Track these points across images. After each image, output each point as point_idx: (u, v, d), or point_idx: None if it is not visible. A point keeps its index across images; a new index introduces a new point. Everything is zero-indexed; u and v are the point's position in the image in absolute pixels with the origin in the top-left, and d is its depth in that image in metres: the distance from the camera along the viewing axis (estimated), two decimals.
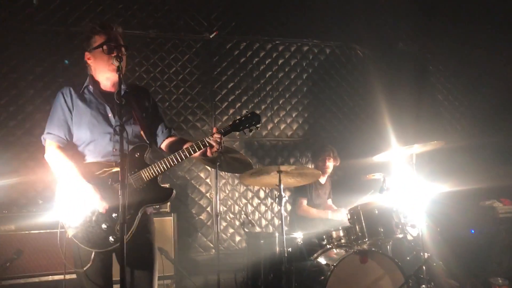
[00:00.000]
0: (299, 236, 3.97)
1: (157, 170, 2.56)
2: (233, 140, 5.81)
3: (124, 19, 5.47)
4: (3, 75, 5.02)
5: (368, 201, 4.07)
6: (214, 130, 2.58)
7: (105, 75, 2.65)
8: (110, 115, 2.65)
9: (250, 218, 5.53)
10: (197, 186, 5.61)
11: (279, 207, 3.77)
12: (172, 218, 4.68)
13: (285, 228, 3.72)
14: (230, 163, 4.03)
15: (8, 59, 5.04)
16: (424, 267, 3.86)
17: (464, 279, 4.70)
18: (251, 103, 5.92)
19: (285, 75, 6.14)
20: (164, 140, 2.85)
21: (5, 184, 4.47)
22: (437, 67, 6.48)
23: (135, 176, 2.56)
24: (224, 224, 5.66)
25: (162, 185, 2.65)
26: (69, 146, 2.64)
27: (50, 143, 2.62)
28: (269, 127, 6.01)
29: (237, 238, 5.68)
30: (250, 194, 5.83)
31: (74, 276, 2.62)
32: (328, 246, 3.89)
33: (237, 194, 5.77)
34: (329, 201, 5.01)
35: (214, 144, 2.54)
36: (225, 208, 5.68)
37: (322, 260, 3.74)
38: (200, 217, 5.58)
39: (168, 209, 4.77)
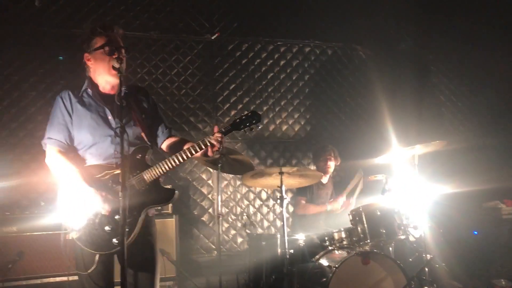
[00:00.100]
0: (301, 237, 3.96)
1: (159, 171, 2.55)
2: (235, 141, 5.81)
3: (125, 20, 5.48)
4: (5, 77, 5.03)
5: (370, 202, 4.05)
6: (215, 129, 2.58)
7: (105, 77, 2.64)
8: (110, 117, 2.64)
9: (252, 220, 5.53)
10: (199, 188, 5.61)
11: (281, 209, 3.77)
12: (174, 219, 4.68)
13: (287, 229, 3.71)
14: (232, 165, 4.03)
15: (10, 61, 5.05)
16: (426, 269, 3.85)
17: (467, 281, 4.68)
18: (252, 104, 5.92)
19: (286, 76, 6.14)
20: (164, 141, 2.84)
21: (7, 186, 4.47)
22: (439, 67, 6.48)
23: (137, 177, 2.56)
24: (226, 225, 5.66)
25: (164, 186, 2.64)
26: (70, 150, 2.64)
27: (51, 148, 2.62)
28: (271, 128, 6.00)
29: (239, 240, 5.68)
30: (252, 196, 5.82)
31: (75, 277, 2.62)
32: (330, 248, 3.88)
33: (239, 196, 5.77)
34: (328, 207, 4.92)
35: (215, 143, 2.53)
36: (227, 210, 5.68)
37: (324, 262, 3.73)
38: (202, 218, 5.58)
39: (170, 211, 4.76)
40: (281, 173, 3.81)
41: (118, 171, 2.54)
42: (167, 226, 4.62)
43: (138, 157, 2.60)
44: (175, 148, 2.76)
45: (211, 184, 5.66)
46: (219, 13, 5.93)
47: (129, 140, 2.53)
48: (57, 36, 5.22)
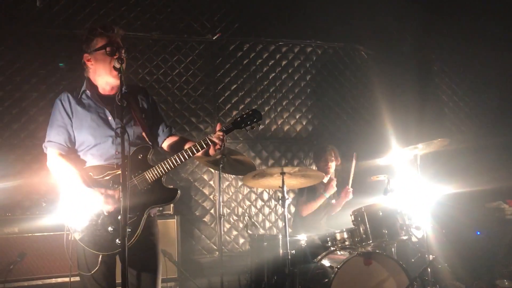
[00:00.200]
0: (302, 238, 3.95)
1: (161, 171, 2.55)
2: (236, 141, 5.80)
3: (127, 21, 5.48)
4: (6, 78, 5.03)
5: (372, 202, 4.04)
6: (218, 126, 2.59)
7: (105, 77, 2.64)
8: (110, 118, 2.64)
9: (253, 220, 5.52)
10: (201, 188, 5.60)
11: (282, 209, 3.75)
12: (175, 220, 4.67)
13: (288, 230, 3.71)
14: (233, 165, 4.03)
15: (11, 62, 5.06)
16: (429, 269, 3.83)
17: (470, 282, 4.66)
18: (254, 105, 5.91)
19: (288, 77, 6.13)
20: (165, 140, 2.84)
21: (8, 187, 4.47)
22: (441, 67, 6.47)
23: (139, 177, 2.55)
24: (227, 226, 5.65)
25: (167, 186, 2.64)
26: (71, 152, 2.65)
27: (52, 151, 2.63)
28: (272, 129, 5.99)
29: (241, 240, 5.67)
30: (253, 196, 5.81)
31: (77, 278, 2.61)
32: (332, 248, 3.87)
33: (240, 196, 5.76)
34: (326, 195, 4.90)
35: (216, 141, 2.53)
36: (228, 210, 5.67)
37: (326, 262, 3.71)
38: (204, 219, 5.57)
39: (171, 211, 4.76)
40: (282, 173, 3.80)
41: (119, 172, 2.53)
42: (168, 227, 4.61)
43: (139, 157, 2.60)
44: (176, 147, 2.77)
45: (213, 185, 5.65)
46: (220, 13, 5.93)
47: (130, 140, 2.53)
48: (59, 37, 5.22)
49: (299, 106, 6.13)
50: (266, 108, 5.97)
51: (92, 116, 2.62)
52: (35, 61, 5.14)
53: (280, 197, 3.80)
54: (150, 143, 2.68)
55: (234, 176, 5.66)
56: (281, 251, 3.84)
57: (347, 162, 5.17)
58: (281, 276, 3.74)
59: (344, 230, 3.90)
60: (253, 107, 5.89)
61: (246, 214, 5.65)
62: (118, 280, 2.53)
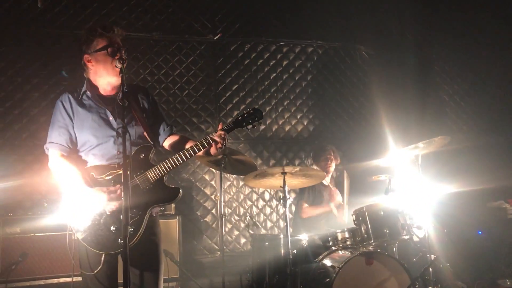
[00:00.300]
0: (304, 238, 3.95)
1: (163, 170, 2.56)
2: (238, 142, 5.81)
3: (128, 21, 5.49)
4: (7, 78, 5.04)
5: (374, 202, 4.04)
6: (220, 125, 2.60)
7: (106, 78, 2.64)
8: (111, 118, 2.65)
9: (255, 220, 5.52)
10: (202, 188, 5.61)
11: (284, 209, 3.75)
12: (177, 220, 4.68)
13: (290, 230, 3.70)
14: (235, 165, 4.03)
15: (13, 62, 5.07)
16: (430, 269, 3.83)
17: (472, 281, 4.66)
18: (255, 105, 5.91)
19: (289, 77, 6.13)
20: (166, 139, 2.84)
21: (10, 187, 4.48)
22: (442, 67, 6.46)
23: (141, 177, 2.56)
24: (229, 226, 5.65)
25: (168, 185, 2.64)
26: (72, 153, 2.65)
27: (53, 152, 2.63)
28: (274, 129, 5.99)
29: (242, 240, 5.67)
30: (255, 196, 5.82)
31: (79, 278, 2.62)
32: (333, 248, 3.86)
33: (242, 196, 5.76)
34: (331, 205, 4.90)
35: (218, 139, 2.54)
36: (230, 210, 5.67)
37: (327, 262, 3.71)
38: (205, 219, 5.57)
39: (173, 211, 4.77)
40: (283, 173, 3.80)
41: (121, 171, 2.54)
42: (170, 227, 4.62)
43: (141, 156, 2.61)
44: (176, 146, 2.77)
45: (214, 185, 5.66)
46: (221, 13, 5.93)
47: (131, 140, 2.53)
48: (60, 37, 5.24)
49: (300, 106, 6.13)
50: (267, 108, 5.97)
51: (93, 116, 2.62)
52: (36, 62, 5.14)
53: (281, 197, 3.81)
54: (152, 143, 2.68)
55: (235, 176, 5.67)
56: (282, 251, 3.84)
57: (347, 162, 5.18)
58: (282, 276, 3.73)
59: (346, 229, 3.90)
60: (254, 107, 5.90)
61: (248, 214, 5.66)
62: (120, 280, 2.55)
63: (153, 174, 2.56)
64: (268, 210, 5.85)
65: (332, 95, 6.28)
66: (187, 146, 2.64)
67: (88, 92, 2.67)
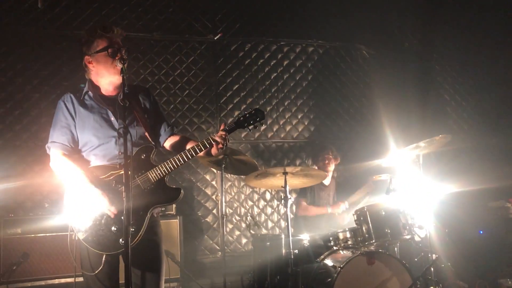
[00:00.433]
0: (305, 238, 3.95)
1: (164, 171, 2.56)
2: (238, 142, 5.80)
3: (128, 21, 5.48)
4: (8, 79, 5.03)
5: (375, 202, 4.04)
6: (222, 126, 2.60)
7: (108, 79, 2.64)
8: (112, 118, 2.65)
9: (256, 220, 5.52)
10: (203, 189, 5.60)
11: (285, 209, 3.76)
12: (177, 220, 4.68)
13: (291, 230, 3.70)
14: (236, 165, 4.03)
15: (13, 63, 5.06)
16: (432, 269, 3.83)
17: (473, 281, 4.66)
18: (256, 105, 5.90)
19: (290, 76, 6.12)
20: (167, 139, 2.84)
21: (11, 188, 4.48)
22: (443, 66, 6.45)
23: (143, 177, 2.56)
24: (230, 226, 5.65)
25: (170, 186, 2.64)
26: (74, 152, 2.65)
27: (55, 151, 2.63)
28: (274, 129, 5.99)
29: (243, 240, 5.66)
30: (256, 196, 5.81)
31: (80, 279, 2.62)
32: (334, 248, 3.87)
33: (243, 196, 5.76)
34: (329, 209, 4.81)
35: (219, 140, 2.54)
36: (231, 210, 5.67)
37: (328, 262, 3.72)
38: (206, 219, 5.57)
39: (173, 212, 4.76)
40: (285, 173, 3.81)
41: (122, 172, 2.53)
42: (171, 227, 4.61)
43: (142, 157, 2.61)
44: (177, 147, 2.78)
45: (215, 185, 5.65)
46: (222, 13, 5.93)
47: (133, 140, 2.53)
48: (60, 38, 5.23)
49: (301, 106, 6.12)
50: (268, 108, 5.97)
51: (94, 117, 2.63)
52: (37, 62, 5.14)
53: (282, 197, 3.80)
54: (153, 143, 2.69)
55: (236, 176, 5.66)
56: (283, 251, 3.84)
57: (348, 162, 5.17)
58: (284, 276, 3.74)
59: (347, 229, 3.90)
60: (255, 107, 5.90)
61: (249, 214, 5.65)
62: (122, 280, 2.55)
63: (154, 174, 2.55)
64: (269, 210, 5.85)
65: (333, 94, 6.27)
66: (188, 146, 2.64)
67: (90, 92, 2.68)
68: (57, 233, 4.18)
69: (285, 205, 3.75)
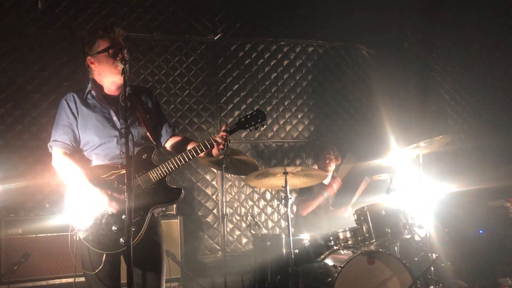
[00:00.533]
0: (305, 237, 3.96)
1: (165, 171, 2.57)
2: (238, 142, 5.81)
3: (128, 22, 5.49)
4: (9, 80, 5.04)
5: (375, 202, 4.04)
6: (223, 127, 2.61)
7: (110, 78, 2.66)
8: (114, 118, 2.66)
9: (256, 220, 5.53)
10: (203, 189, 5.61)
11: (285, 209, 3.76)
12: (178, 220, 4.69)
13: (291, 229, 3.71)
14: (236, 165, 4.04)
15: (14, 64, 5.07)
16: (432, 268, 3.84)
17: (473, 280, 4.66)
18: (256, 105, 5.92)
19: (290, 76, 6.13)
20: (168, 140, 2.86)
21: (12, 188, 4.48)
22: (443, 66, 6.45)
23: (144, 177, 2.57)
24: (230, 226, 5.66)
25: (170, 186, 2.65)
26: (76, 152, 2.66)
27: (56, 150, 2.64)
28: (274, 129, 6.00)
29: (244, 240, 5.67)
30: (256, 196, 5.82)
31: (82, 279, 2.62)
32: (335, 248, 3.87)
33: (243, 196, 5.76)
34: (325, 194, 4.88)
35: (220, 141, 2.55)
36: (231, 210, 5.68)
37: (329, 262, 3.72)
38: (207, 219, 5.58)
39: (174, 212, 4.77)
40: (285, 173, 3.81)
41: (123, 171, 2.55)
42: (171, 227, 4.62)
43: (144, 157, 2.62)
44: (178, 147, 2.79)
45: (215, 185, 5.66)
46: (222, 13, 5.93)
47: (134, 140, 2.54)
48: (60, 38, 5.24)
49: (301, 106, 6.13)
50: (268, 108, 5.98)
51: (97, 116, 2.64)
52: (37, 63, 5.14)
53: (283, 197, 3.81)
54: (154, 143, 2.69)
55: (236, 176, 5.67)
56: (284, 251, 3.85)
57: (348, 162, 5.17)
58: (284, 276, 3.74)
59: (347, 229, 3.90)
60: (255, 107, 5.90)
61: (249, 214, 5.66)
62: (123, 280, 2.55)
63: (155, 174, 2.57)
64: (269, 210, 5.85)
65: (333, 94, 6.28)
66: (189, 147, 2.65)
67: (93, 91, 2.69)
68: (58, 233, 4.19)
69: (286, 205, 3.76)
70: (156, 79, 5.58)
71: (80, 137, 2.65)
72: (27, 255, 4.08)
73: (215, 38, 5.84)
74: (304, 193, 4.79)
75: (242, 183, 5.74)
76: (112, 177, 2.56)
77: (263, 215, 5.82)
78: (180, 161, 2.56)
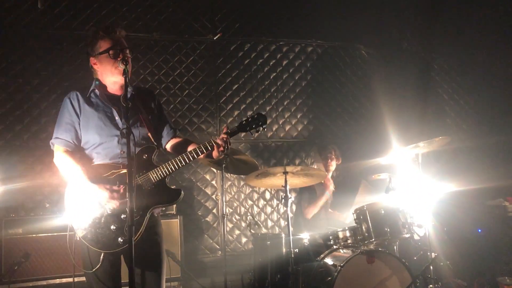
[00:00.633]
0: (305, 237, 3.97)
1: (165, 171, 2.58)
2: (238, 141, 5.82)
3: (128, 22, 5.49)
4: (8, 79, 5.04)
5: (374, 201, 4.06)
6: (224, 129, 2.61)
7: (112, 78, 2.68)
8: (117, 118, 2.67)
9: (256, 219, 5.54)
10: (203, 188, 5.62)
11: (285, 208, 3.77)
12: (178, 220, 4.69)
13: (291, 229, 3.72)
14: (236, 165, 4.05)
15: (14, 64, 5.07)
16: (431, 267, 3.85)
17: (472, 279, 4.69)
18: (255, 105, 5.93)
19: (289, 76, 6.14)
20: (168, 141, 2.87)
21: (12, 188, 4.49)
22: (442, 66, 6.47)
23: (144, 177, 2.58)
24: (230, 225, 5.67)
25: (170, 187, 2.66)
26: (77, 150, 2.68)
27: (58, 147, 2.66)
28: (274, 128, 6.01)
29: (243, 240, 5.69)
30: (255, 196, 5.83)
31: (83, 278, 2.63)
32: (334, 247, 3.89)
33: (242, 196, 5.78)
34: (327, 193, 4.86)
35: (220, 143, 2.56)
36: (231, 210, 5.69)
37: (328, 261, 3.73)
38: (206, 219, 5.59)
39: (174, 211, 4.78)
40: (285, 172, 3.82)
41: (124, 171, 2.56)
42: (171, 227, 4.63)
43: (144, 157, 2.63)
44: (179, 149, 2.80)
45: (215, 185, 5.67)
46: (221, 13, 5.94)
47: (135, 140, 2.55)
48: (60, 38, 5.24)
49: (300, 105, 6.14)
50: (268, 108, 5.99)
51: (99, 115, 2.66)
52: (37, 63, 5.15)
53: (282, 196, 3.82)
54: (155, 144, 2.71)
55: (236, 175, 5.68)
56: (284, 250, 3.86)
57: (347, 161, 5.19)
58: (284, 275, 3.76)
59: (347, 228, 3.91)
60: (255, 107, 5.93)
61: (249, 214, 5.68)
62: (123, 279, 2.57)
63: (156, 175, 2.58)
64: (269, 209, 5.87)
65: (332, 94, 6.29)
66: (189, 148, 2.66)
67: (96, 90, 2.71)
68: (58, 233, 4.20)
69: (285, 205, 3.77)
70: (155, 79, 5.59)
71: (82, 136, 2.66)
72: (28, 255, 4.08)
73: (215, 38, 5.85)
74: (304, 193, 4.81)
75: (242, 183, 5.75)
76: (112, 177, 2.57)
77: (262, 214, 5.83)
78: (180, 162, 2.57)
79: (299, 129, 6.12)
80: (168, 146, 2.88)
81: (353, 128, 6.30)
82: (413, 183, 4.18)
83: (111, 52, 2.57)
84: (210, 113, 5.77)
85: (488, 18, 5.82)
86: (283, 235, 3.95)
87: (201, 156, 2.61)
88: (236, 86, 5.91)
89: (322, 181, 4.85)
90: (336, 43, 6.36)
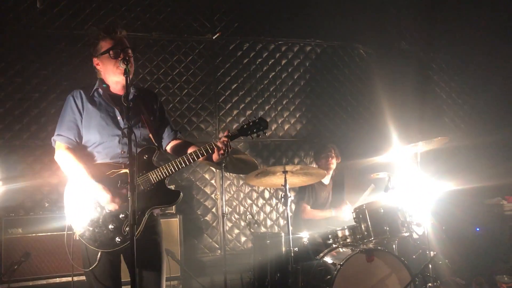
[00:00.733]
0: (305, 235, 3.98)
1: (165, 173, 2.59)
2: (237, 141, 5.80)
3: (127, 21, 5.49)
4: (8, 79, 5.03)
5: (373, 200, 4.07)
6: (225, 132, 2.64)
7: (114, 78, 2.69)
8: (119, 118, 2.68)
9: (255, 219, 5.55)
10: (202, 188, 5.63)
11: (284, 207, 3.78)
12: (177, 219, 4.70)
13: (290, 228, 3.73)
14: (236, 164, 4.05)
15: (13, 63, 5.06)
16: (430, 265, 3.88)
17: (470, 277, 4.71)
18: (254, 104, 5.93)
19: (288, 76, 6.15)
20: (169, 143, 2.89)
21: (11, 188, 4.48)
22: (440, 65, 6.49)
23: (143, 178, 2.58)
24: (229, 225, 5.68)
25: (169, 188, 2.67)
26: (79, 148, 2.68)
27: (59, 144, 2.66)
28: (273, 128, 6.02)
29: (243, 239, 5.70)
30: (255, 195, 5.84)
31: (82, 277, 2.64)
32: (334, 246, 3.90)
33: (242, 195, 5.78)
34: (333, 212, 4.85)
35: (221, 146, 2.58)
36: (230, 209, 5.69)
37: (328, 260, 3.75)
38: (206, 218, 5.59)
39: (173, 211, 4.79)
40: (285, 171, 3.83)
41: (124, 171, 2.58)
42: (171, 226, 4.64)
43: (144, 157, 2.64)
44: (179, 151, 2.82)
45: (214, 184, 5.68)
46: (220, 12, 5.94)
47: (136, 141, 2.56)
48: (59, 38, 5.23)
49: (299, 105, 6.15)
50: (267, 107, 5.99)
51: (101, 114, 2.67)
52: (36, 62, 5.13)
53: (282, 196, 3.84)
54: (156, 145, 2.72)
55: (235, 175, 5.69)
56: (283, 249, 3.87)
57: (346, 160, 5.20)
58: (284, 274, 3.77)
59: (346, 227, 3.93)
60: (254, 106, 5.94)
61: (248, 213, 5.68)
62: (124, 279, 2.57)
63: (155, 175, 2.59)
64: (268, 208, 5.88)
65: (330, 93, 6.30)
66: (190, 151, 2.67)
67: (99, 89, 2.72)
68: (57, 232, 4.20)
69: (285, 204, 3.78)
70: (154, 78, 5.59)
71: (83, 134, 2.67)
72: (28, 254, 4.09)
73: (214, 38, 5.85)
74: (304, 192, 4.82)
75: (241, 182, 5.76)
76: (113, 176, 2.58)
77: (261, 213, 5.84)
78: (181, 164, 2.59)
79: (298, 128, 6.13)
80: (169, 148, 2.89)
81: (351, 127, 6.31)
82: (412, 182, 4.20)
83: (111, 52, 2.59)
84: (209, 113, 5.77)
85: (486, 18, 5.85)
86: (282, 234, 3.96)
87: (201, 158, 2.62)
88: (235, 85, 5.92)
89: (325, 182, 4.88)
90: (335, 42, 6.36)
